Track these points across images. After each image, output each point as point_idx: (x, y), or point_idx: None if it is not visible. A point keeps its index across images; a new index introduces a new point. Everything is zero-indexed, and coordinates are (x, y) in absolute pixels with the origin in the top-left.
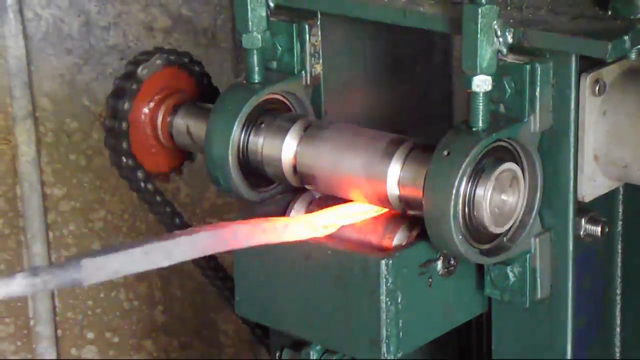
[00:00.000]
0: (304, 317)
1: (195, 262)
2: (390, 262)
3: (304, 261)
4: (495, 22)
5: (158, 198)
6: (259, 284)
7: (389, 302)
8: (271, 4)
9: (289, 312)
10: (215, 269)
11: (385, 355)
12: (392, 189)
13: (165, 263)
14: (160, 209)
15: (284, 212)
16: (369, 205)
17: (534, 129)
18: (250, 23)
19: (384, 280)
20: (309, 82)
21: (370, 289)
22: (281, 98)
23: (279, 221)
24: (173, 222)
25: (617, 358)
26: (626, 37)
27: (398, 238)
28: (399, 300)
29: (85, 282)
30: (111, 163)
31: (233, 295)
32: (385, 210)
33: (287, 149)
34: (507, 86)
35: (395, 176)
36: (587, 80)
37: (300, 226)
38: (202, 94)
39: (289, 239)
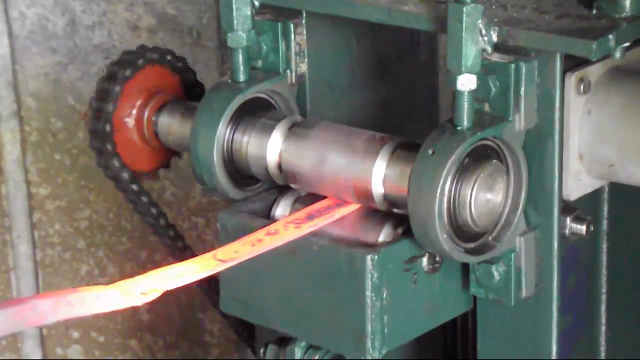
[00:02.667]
0: (289, 313)
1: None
2: (376, 257)
3: (289, 257)
4: (480, 21)
5: (144, 199)
6: (243, 281)
7: (374, 298)
8: (256, 3)
9: (274, 308)
10: None
11: (370, 351)
12: (377, 187)
13: None
14: (146, 210)
15: (269, 210)
16: (200, 259)
17: (518, 128)
18: (235, 22)
19: (370, 275)
20: (294, 81)
21: (356, 285)
22: (266, 97)
23: (89, 291)
24: (158, 222)
25: (603, 356)
26: (611, 36)
27: (384, 235)
28: (384, 296)
29: None
30: (96, 164)
31: (219, 296)
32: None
33: (272, 148)
34: (492, 85)
35: (380, 175)
36: (572, 79)
37: (114, 294)
38: (187, 91)
39: (102, 310)
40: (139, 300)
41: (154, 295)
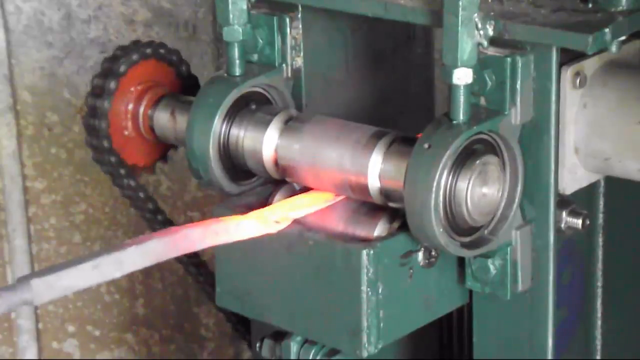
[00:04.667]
0: (285, 308)
1: (177, 258)
2: (372, 252)
3: (285, 251)
4: (475, 14)
5: (141, 194)
6: (239, 275)
7: (369, 292)
8: None
9: (270, 302)
10: (197, 266)
11: (366, 345)
12: (373, 181)
13: (117, 274)
14: (143, 205)
15: (265, 203)
16: (323, 193)
17: (514, 122)
18: (231, 16)
19: (365, 270)
20: (289, 74)
21: (352, 279)
22: (262, 91)
23: (231, 220)
24: (155, 218)
25: (598, 350)
26: (607, 30)
27: (379, 229)
28: (380, 291)
29: (37, 302)
30: (93, 159)
31: (214, 290)
32: (342, 197)
33: (267, 142)
34: (487, 79)
35: (376, 169)
36: (567, 73)
37: (252, 223)
38: (183, 85)
39: (242, 237)
40: (274, 228)
41: (286, 223)
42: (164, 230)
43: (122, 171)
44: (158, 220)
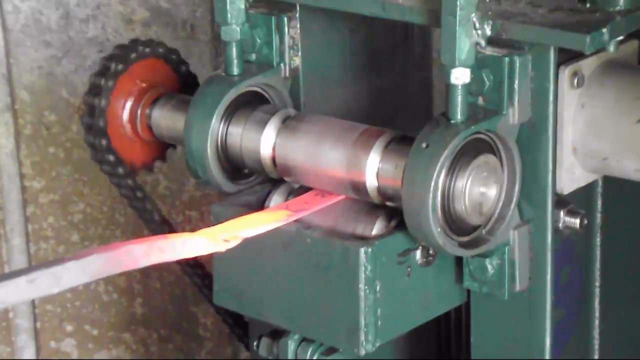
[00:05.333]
0: (282, 306)
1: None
2: (370, 250)
3: (282, 250)
4: (473, 14)
5: (138, 194)
6: (237, 274)
7: (367, 291)
8: None
9: (267, 301)
10: (193, 266)
11: (364, 343)
12: (371, 180)
13: (54, 290)
14: (140, 205)
15: (263, 202)
16: (276, 212)
17: (512, 122)
18: (229, 15)
19: (363, 268)
20: (287, 74)
21: (349, 277)
22: (260, 90)
23: (177, 238)
24: (152, 218)
25: (596, 350)
26: (605, 30)
27: (377, 228)
28: (378, 289)
29: None
30: (91, 158)
31: (212, 290)
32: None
33: (265, 141)
34: (485, 78)
35: (374, 168)
36: (565, 73)
37: (199, 241)
38: (181, 84)
39: (189, 255)
40: (223, 246)
41: (235, 242)
42: (106, 246)
43: (120, 170)
44: (155, 220)
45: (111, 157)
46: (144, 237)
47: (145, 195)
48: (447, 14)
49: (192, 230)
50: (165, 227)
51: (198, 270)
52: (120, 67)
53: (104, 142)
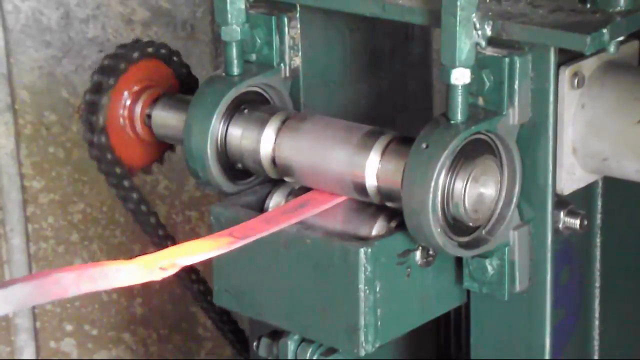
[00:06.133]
0: (282, 306)
1: None
2: (370, 250)
3: (282, 250)
4: (474, 14)
5: (134, 195)
6: (237, 274)
7: (367, 291)
8: None
9: (267, 301)
10: (188, 272)
11: (363, 344)
12: (371, 181)
13: None
14: (135, 207)
15: (263, 203)
16: (216, 240)
17: (512, 122)
18: (229, 15)
19: (363, 268)
20: (287, 74)
21: (349, 278)
22: (260, 91)
23: (111, 265)
24: (148, 221)
25: (596, 350)
26: (605, 30)
27: (377, 228)
28: (378, 290)
29: None
30: (90, 157)
31: (205, 296)
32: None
33: (265, 142)
34: (485, 79)
35: (373, 168)
36: (565, 73)
37: (134, 269)
38: (181, 84)
39: (123, 284)
40: (158, 275)
41: (172, 270)
42: (32, 275)
43: (118, 170)
44: (151, 223)
45: (109, 156)
46: (143, 236)
47: (142, 198)
48: (448, 14)
49: (192, 230)
50: (161, 230)
51: (192, 275)
52: (122, 65)
53: (103, 139)
